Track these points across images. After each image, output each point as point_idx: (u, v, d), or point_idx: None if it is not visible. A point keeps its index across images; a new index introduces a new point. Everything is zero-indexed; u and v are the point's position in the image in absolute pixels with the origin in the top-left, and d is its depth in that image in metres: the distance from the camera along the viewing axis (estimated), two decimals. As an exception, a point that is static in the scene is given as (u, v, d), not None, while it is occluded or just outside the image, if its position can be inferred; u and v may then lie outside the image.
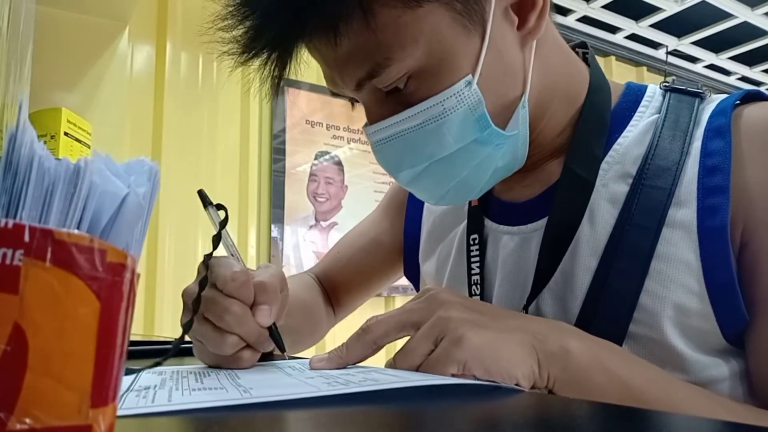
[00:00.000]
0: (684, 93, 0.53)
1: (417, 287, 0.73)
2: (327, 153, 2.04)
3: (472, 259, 0.58)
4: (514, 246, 0.55)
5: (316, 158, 2.01)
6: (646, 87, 0.56)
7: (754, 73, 3.03)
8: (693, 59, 2.89)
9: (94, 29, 1.51)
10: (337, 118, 2.08)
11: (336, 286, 0.78)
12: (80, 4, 1.45)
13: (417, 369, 0.41)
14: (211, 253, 0.47)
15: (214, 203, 0.50)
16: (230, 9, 0.48)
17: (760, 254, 0.45)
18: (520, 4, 0.47)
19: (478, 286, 0.57)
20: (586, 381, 0.40)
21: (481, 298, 0.57)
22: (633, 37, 2.69)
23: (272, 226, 1.88)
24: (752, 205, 0.45)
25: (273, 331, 0.48)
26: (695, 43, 2.72)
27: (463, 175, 0.50)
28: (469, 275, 0.58)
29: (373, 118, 0.49)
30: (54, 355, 0.15)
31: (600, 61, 2.90)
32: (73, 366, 0.16)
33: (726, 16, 2.45)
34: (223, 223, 0.48)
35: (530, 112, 0.51)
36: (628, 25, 2.57)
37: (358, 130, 2.12)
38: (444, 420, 0.29)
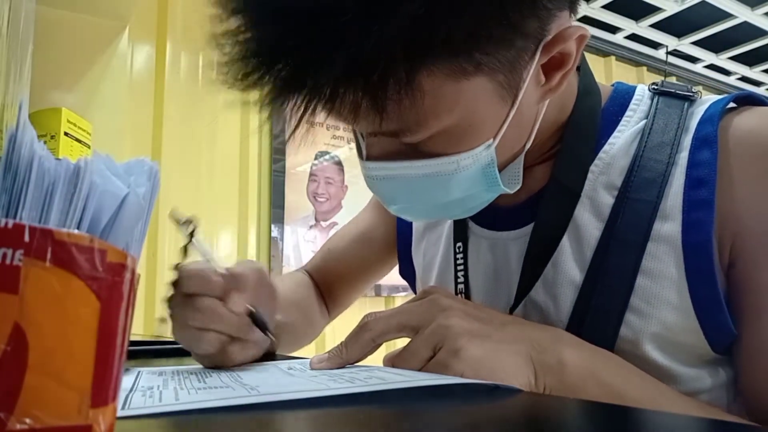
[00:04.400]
0: (673, 96, 0.51)
1: (412, 286, 0.73)
2: (327, 153, 2.04)
3: (458, 268, 0.58)
4: (495, 252, 0.55)
5: (316, 158, 2.01)
6: (634, 89, 0.54)
7: (754, 73, 3.03)
8: (693, 59, 2.89)
9: (94, 29, 1.51)
10: (337, 118, 2.08)
11: (329, 282, 0.78)
12: (80, 4, 1.45)
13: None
14: (178, 264, 0.47)
15: (183, 219, 0.48)
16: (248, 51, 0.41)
17: (747, 270, 0.44)
18: (549, 63, 0.44)
19: (463, 295, 0.57)
20: (581, 393, 0.40)
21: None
22: (633, 37, 2.69)
23: (272, 226, 1.88)
24: (740, 221, 0.44)
25: (254, 316, 0.47)
26: (695, 43, 2.72)
27: (456, 213, 0.52)
28: (456, 283, 0.58)
29: (374, 155, 0.46)
30: (54, 355, 0.15)
31: (600, 61, 2.91)
32: (73, 366, 0.16)
33: (726, 16, 2.45)
34: (191, 235, 0.48)
35: None
36: (628, 25, 2.56)
37: (358, 130, 2.12)
38: (449, 420, 0.29)
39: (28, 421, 0.15)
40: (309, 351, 0.71)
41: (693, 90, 0.52)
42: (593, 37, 2.66)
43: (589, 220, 0.49)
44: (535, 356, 0.41)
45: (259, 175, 1.91)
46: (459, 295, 0.58)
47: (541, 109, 0.48)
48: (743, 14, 2.43)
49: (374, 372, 0.40)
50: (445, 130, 0.42)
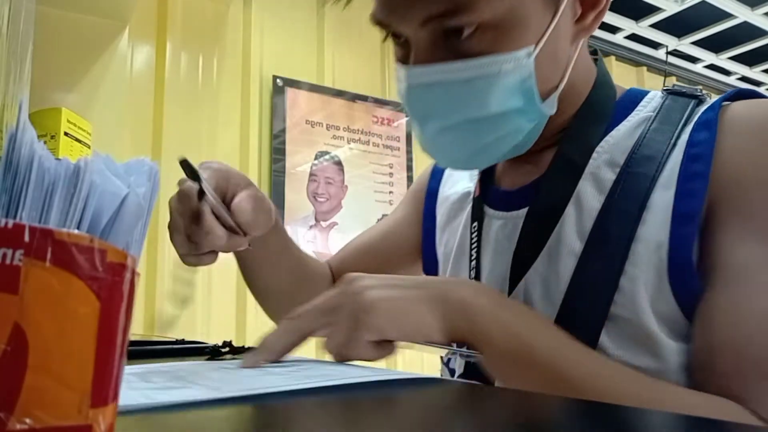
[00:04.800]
0: (682, 95, 0.54)
1: None
2: (327, 153, 2.04)
3: (472, 245, 0.60)
4: (504, 231, 0.57)
5: (316, 158, 2.01)
6: (648, 91, 0.57)
7: (754, 73, 3.03)
8: (693, 59, 2.89)
9: (94, 29, 1.51)
10: (337, 118, 2.08)
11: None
12: (80, 4, 1.45)
13: (343, 349, 0.42)
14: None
15: (194, 168, 0.55)
16: None
17: (716, 227, 0.45)
18: (585, 0, 0.49)
19: (474, 271, 0.59)
20: (487, 335, 0.42)
21: (476, 280, 0.59)
22: (633, 37, 2.69)
23: (272, 226, 1.88)
24: (724, 187, 0.46)
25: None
26: (695, 43, 2.72)
27: (487, 142, 0.51)
28: (470, 260, 0.60)
29: (419, 59, 0.48)
30: (54, 355, 0.15)
31: (600, 61, 2.93)
32: (73, 366, 0.16)
33: (726, 16, 2.45)
34: (199, 181, 0.55)
35: None
36: (628, 25, 2.57)
37: (358, 130, 2.12)
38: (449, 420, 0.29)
39: (28, 421, 0.15)
40: (309, 350, 0.70)
41: (701, 90, 0.54)
42: (593, 37, 2.66)
43: (591, 194, 0.51)
44: (441, 298, 0.43)
45: (259, 175, 1.91)
46: (471, 271, 0.59)
47: (573, 53, 0.51)
48: (743, 14, 2.43)
49: (326, 368, 0.41)
50: (493, 24, 0.45)
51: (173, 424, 0.27)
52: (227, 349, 0.59)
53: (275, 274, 0.68)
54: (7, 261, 0.15)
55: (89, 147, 1.30)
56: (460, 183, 0.68)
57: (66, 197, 0.17)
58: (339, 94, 2.09)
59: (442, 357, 0.63)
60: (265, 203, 0.58)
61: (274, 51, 2.00)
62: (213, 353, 0.56)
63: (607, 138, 0.53)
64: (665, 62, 2.85)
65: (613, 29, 2.61)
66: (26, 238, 0.15)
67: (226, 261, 1.79)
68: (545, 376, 0.42)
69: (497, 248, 0.57)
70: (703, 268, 0.46)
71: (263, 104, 1.95)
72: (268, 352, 0.44)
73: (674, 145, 0.49)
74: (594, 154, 0.52)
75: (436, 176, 0.74)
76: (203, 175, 0.54)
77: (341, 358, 0.43)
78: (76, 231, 0.17)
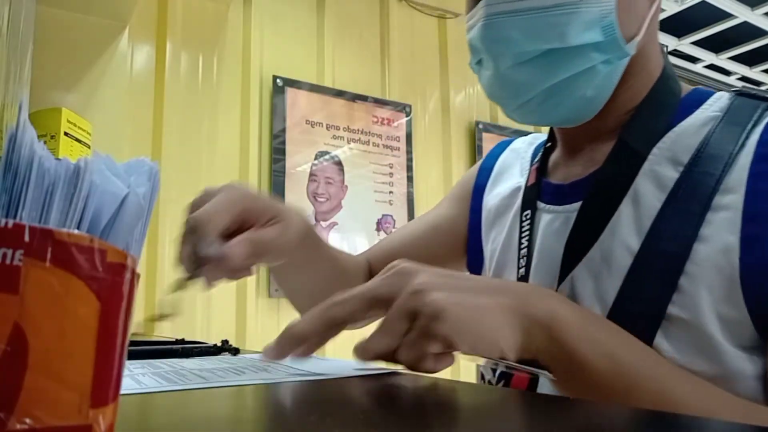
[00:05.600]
0: (752, 97, 0.52)
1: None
2: (327, 153, 2.04)
3: (523, 234, 0.58)
4: (556, 225, 0.55)
5: (316, 158, 2.01)
6: (714, 91, 0.55)
7: (754, 73, 3.03)
8: (693, 59, 2.89)
9: (94, 29, 1.51)
10: (337, 118, 2.08)
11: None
12: (80, 4, 1.45)
13: (395, 351, 0.38)
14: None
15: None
16: None
17: None
18: None
19: (524, 259, 0.56)
20: (574, 353, 0.38)
21: (525, 273, 0.56)
22: (633, 37, 2.68)
23: (272, 226, 1.88)
24: None
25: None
26: (695, 43, 2.72)
27: (561, 80, 0.49)
28: (519, 250, 0.58)
29: None
30: (54, 355, 0.15)
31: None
32: (73, 366, 0.16)
33: (726, 16, 2.45)
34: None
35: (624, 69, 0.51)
36: (628, 25, 2.56)
37: (358, 130, 2.12)
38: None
39: (28, 421, 0.15)
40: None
41: None
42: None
43: (650, 191, 0.49)
44: (521, 310, 0.38)
45: (259, 175, 1.91)
46: (521, 260, 0.56)
47: (649, 11, 0.51)
48: (743, 14, 2.43)
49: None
50: None
51: (173, 424, 0.27)
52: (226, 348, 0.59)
53: (306, 280, 0.64)
54: (7, 261, 0.15)
55: (89, 147, 1.30)
56: (510, 180, 0.66)
57: (66, 197, 0.17)
58: (339, 94, 2.09)
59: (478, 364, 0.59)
60: (289, 230, 0.52)
61: (274, 51, 2.00)
62: (212, 352, 0.56)
63: (669, 134, 0.51)
64: (665, 62, 2.84)
65: (613, 29, 2.61)
66: (26, 238, 0.15)
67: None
68: (642, 398, 0.39)
69: (545, 243, 0.55)
70: None
71: (263, 104, 1.95)
72: (291, 343, 0.40)
73: (742, 146, 0.47)
74: (655, 150, 0.50)
75: (483, 173, 0.72)
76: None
77: (385, 361, 0.39)
78: (76, 231, 0.17)
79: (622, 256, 0.48)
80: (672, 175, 0.49)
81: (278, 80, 1.96)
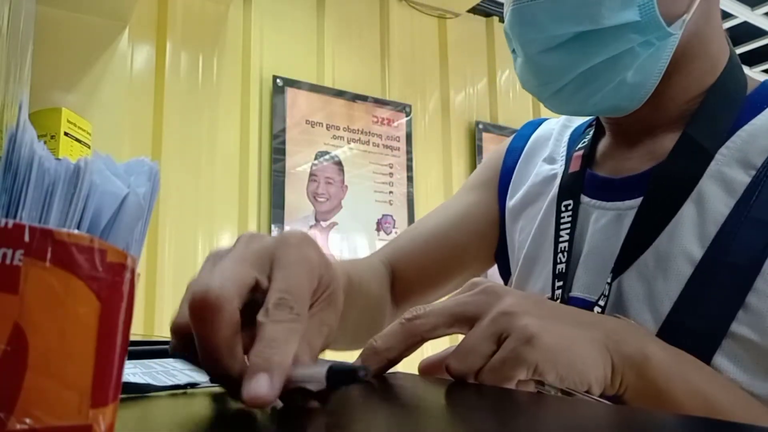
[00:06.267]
0: None
1: (505, 273, 0.64)
2: (327, 153, 2.04)
3: (562, 227, 0.53)
4: (605, 222, 0.50)
5: (316, 158, 2.01)
6: None
7: (754, 73, 3.03)
8: (693, 59, 2.89)
9: (94, 29, 1.51)
10: (337, 118, 2.08)
11: (407, 276, 0.66)
12: (80, 4, 1.45)
13: (477, 373, 0.36)
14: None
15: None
16: None
17: None
18: None
19: (565, 254, 0.52)
20: (664, 393, 0.36)
21: (566, 268, 0.52)
22: (633, 37, 2.69)
23: (272, 226, 1.88)
24: None
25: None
26: (695, 43, 2.72)
27: (594, 64, 0.46)
28: (557, 243, 0.53)
29: None
30: (54, 355, 0.15)
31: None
32: (73, 366, 0.16)
33: (726, 16, 2.45)
34: None
35: (676, 51, 0.47)
36: (628, 25, 2.56)
37: (358, 130, 2.12)
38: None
39: (28, 421, 0.15)
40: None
41: None
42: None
43: (717, 195, 0.45)
44: (612, 347, 0.36)
45: (259, 175, 1.91)
46: (560, 255, 0.52)
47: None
48: (743, 14, 2.43)
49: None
50: None
51: (173, 424, 0.27)
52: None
53: (344, 323, 0.58)
54: (7, 261, 0.15)
55: (89, 147, 1.30)
56: (542, 166, 0.61)
57: (66, 197, 0.17)
58: (339, 94, 2.09)
59: None
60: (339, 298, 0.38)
61: (274, 51, 2.00)
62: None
63: (739, 133, 0.46)
64: (665, 62, 2.84)
65: (613, 29, 2.61)
66: (26, 238, 0.15)
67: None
68: None
69: (592, 242, 0.51)
70: None
71: (263, 104, 1.95)
72: (374, 359, 0.38)
73: None
74: (723, 149, 0.46)
75: (512, 154, 0.66)
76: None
77: (466, 378, 0.37)
78: (76, 231, 0.17)
79: (682, 263, 0.44)
80: (743, 179, 0.45)
81: (278, 80, 1.96)
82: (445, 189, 2.33)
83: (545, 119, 0.69)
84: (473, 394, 0.35)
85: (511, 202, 0.63)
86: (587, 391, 0.35)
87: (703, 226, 0.44)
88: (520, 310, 0.36)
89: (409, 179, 2.20)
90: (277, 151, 1.93)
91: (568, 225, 0.52)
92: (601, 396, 0.36)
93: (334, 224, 2.01)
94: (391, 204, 2.14)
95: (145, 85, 1.75)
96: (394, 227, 2.13)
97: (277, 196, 1.90)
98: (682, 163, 0.47)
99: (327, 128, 2.05)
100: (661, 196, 0.47)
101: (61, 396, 0.16)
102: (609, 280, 0.47)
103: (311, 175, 1.99)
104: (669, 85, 0.49)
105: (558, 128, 0.64)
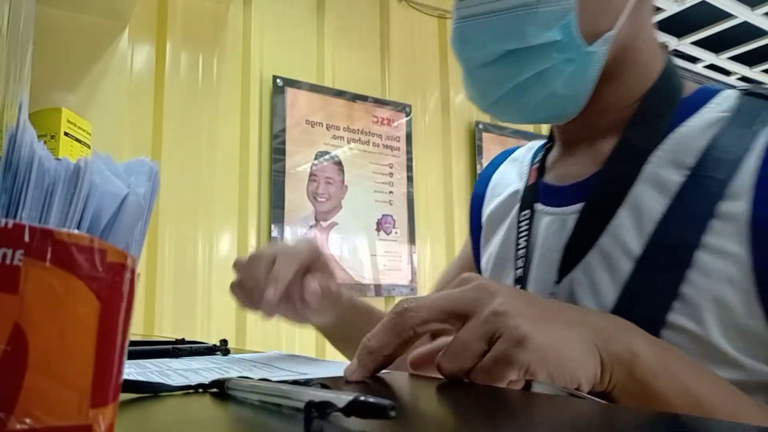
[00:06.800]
0: (762, 97, 0.50)
1: None
2: (327, 153, 2.04)
3: (520, 235, 0.57)
4: (554, 227, 0.54)
5: (316, 158, 2.01)
6: (720, 89, 0.53)
7: (754, 73, 3.03)
8: (693, 59, 2.89)
9: (94, 29, 1.51)
10: (337, 118, 2.08)
11: None
12: (80, 4, 1.45)
13: (468, 372, 0.37)
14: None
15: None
16: None
17: None
18: None
19: (522, 260, 0.55)
20: (652, 389, 0.37)
21: (523, 274, 0.55)
22: (633, 37, 2.68)
23: (272, 226, 1.88)
24: None
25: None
26: (695, 43, 2.72)
27: (525, 78, 0.50)
28: (516, 250, 0.57)
29: None
30: (54, 355, 0.15)
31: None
32: (73, 366, 0.16)
33: (726, 16, 2.45)
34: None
35: (607, 63, 0.50)
36: (628, 25, 2.56)
37: (358, 130, 2.12)
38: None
39: (28, 421, 0.15)
40: (310, 350, 0.70)
41: None
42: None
43: (652, 196, 0.48)
44: (601, 345, 0.37)
45: (259, 175, 1.91)
46: (518, 261, 0.56)
47: (627, 4, 0.50)
48: (743, 14, 2.43)
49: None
50: None
51: (173, 424, 0.27)
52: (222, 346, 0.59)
53: (351, 343, 0.66)
54: (7, 261, 0.15)
55: (89, 147, 1.30)
56: (510, 187, 0.65)
57: (66, 197, 0.17)
58: (339, 94, 2.09)
59: None
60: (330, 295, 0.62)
61: (274, 51, 2.00)
62: (202, 353, 0.57)
63: (672, 135, 0.49)
64: (665, 62, 2.84)
65: (613, 29, 2.61)
66: (26, 238, 0.15)
67: (226, 261, 1.80)
68: None
69: (544, 245, 0.54)
70: None
71: (263, 104, 1.95)
72: (370, 359, 0.39)
73: (751, 148, 0.45)
74: (657, 152, 0.49)
75: (482, 182, 0.71)
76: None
77: (457, 377, 0.37)
78: (76, 231, 0.17)
79: (624, 261, 0.47)
80: (676, 179, 0.47)
81: (278, 80, 1.96)
82: (445, 189, 2.33)
83: (518, 148, 0.73)
84: (465, 393, 0.35)
85: (484, 226, 0.67)
86: (577, 389, 0.36)
87: (642, 225, 0.47)
88: (511, 309, 0.36)
89: (409, 179, 2.20)
90: (277, 151, 1.93)
91: (526, 233, 0.57)
92: (590, 393, 0.37)
93: (334, 224, 2.01)
94: (391, 204, 2.14)
95: (145, 85, 1.75)
96: (394, 227, 2.13)
97: (277, 196, 1.90)
98: (620, 166, 0.50)
99: (327, 128, 2.05)
100: (600, 200, 0.50)
101: (61, 396, 0.16)
102: (556, 280, 0.51)
103: (311, 175, 1.99)
104: (605, 94, 0.52)
105: (524, 152, 0.69)
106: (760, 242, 0.42)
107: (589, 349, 0.37)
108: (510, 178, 0.66)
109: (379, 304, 2.09)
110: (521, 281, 0.55)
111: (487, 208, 0.67)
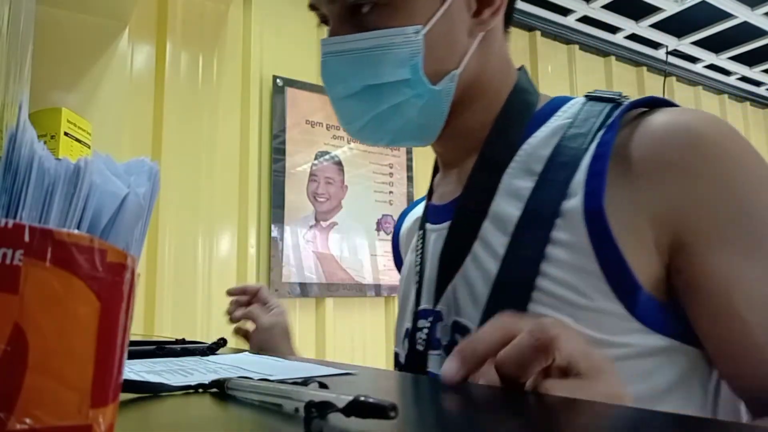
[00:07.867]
0: (601, 100, 0.55)
1: None
2: (327, 153, 2.04)
3: (417, 252, 0.63)
4: (436, 243, 0.60)
5: (316, 158, 2.01)
6: (572, 98, 0.58)
7: (754, 73, 3.03)
8: (693, 59, 2.89)
9: (94, 29, 1.51)
10: (337, 118, 2.08)
11: None
12: (80, 4, 1.45)
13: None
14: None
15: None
16: None
17: (701, 256, 0.46)
18: None
19: (418, 276, 0.61)
20: None
21: (419, 287, 0.61)
22: (633, 37, 2.69)
23: (272, 226, 1.88)
24: (676, 212, 0.46)
25: None
26: (695, 43, 2.72)
27: (382, 110, 0.55)
28: (415, 266, 0.63)
29: (332, 32, 0.57)
30: (54, 355, 0.15)
31: (600, 61, 2.91)
32: (73, 366, 0.16)
33: (726, 16, 2.45)
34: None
35: (458, 95, 0.56)
36: (628, 25, 2.56)
37: (358, 130, 2.12)
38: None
39: (28, 421, 0.15)
40: (310, 350, 0.70)
41: (621, 95, 0.55)
42: (593, 37, 2.66)
43: (509, 203, 0.53)
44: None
45: (259, 175, 1.91)
46: (416, 276, 0.61)
47: (472, 43, 0.56)
48: (743, 14, 2.43)
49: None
50: (386, 3, 0.53)
51: (173, 424, 0.27)
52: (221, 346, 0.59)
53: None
54: (7, 261, 0.15)
55: (89, 147, 1.30)
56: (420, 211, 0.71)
57: (66, 197, 0.17)
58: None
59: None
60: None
61: (274, 51, 2.00)
62: (208, 352, 0.57)
63: (524, 146, 0.55)
64: (665, 62, 2.84)
65: (613, 29, 2.61)
66: (26, 238, 0.15)
67: (226, 261, 1.80)
68: None
69: (432, 258, 0.60)
70: (696, 294, 0.46)
71: (263, 104, 1.95)
72: (474, 361, 0.37)
73: (587, 149, 0.51)
74: (512, 163, 0.55)
75: (400, 219, 0.81)
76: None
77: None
78: (76, 231, 0.17)
79: (491, 262, 0.52)
80: (528, 185, 0.53)
81: (278, 80, 1.96)
82: (445, 189, 2.33)
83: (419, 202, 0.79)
84: (465, 394, 0.35)
85: (401, 251, 0.76)
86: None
87: (505, 229, 0.53)
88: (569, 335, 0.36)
89: (409, 179, 2.20)
90: (277, 151, 1.93)
91: (420, 250, 0.63)
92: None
93: (334, 224, 2.01)
94: (391, 204, 2.14)
95: (145, 85, 1.75)
96: (394, 227, 2.13)
97: (277, 196, 1.90)
98: (481, 181, 0.56)
99: (327, 128, 2.05)
100: (466, 213, 0.56)
101: (61, 396, 0.16)
102: (434, 290, 0.57)
103: (311, 175, 1.99)
104: (461, 120, 0.58)
105: None
106: (594, 231, 0.47)
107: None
108: (419, 209, 0.72)
109: (379, 304, 2.09)
110: (419, 293, 0.61)
111: (402, 239, 0.77)
